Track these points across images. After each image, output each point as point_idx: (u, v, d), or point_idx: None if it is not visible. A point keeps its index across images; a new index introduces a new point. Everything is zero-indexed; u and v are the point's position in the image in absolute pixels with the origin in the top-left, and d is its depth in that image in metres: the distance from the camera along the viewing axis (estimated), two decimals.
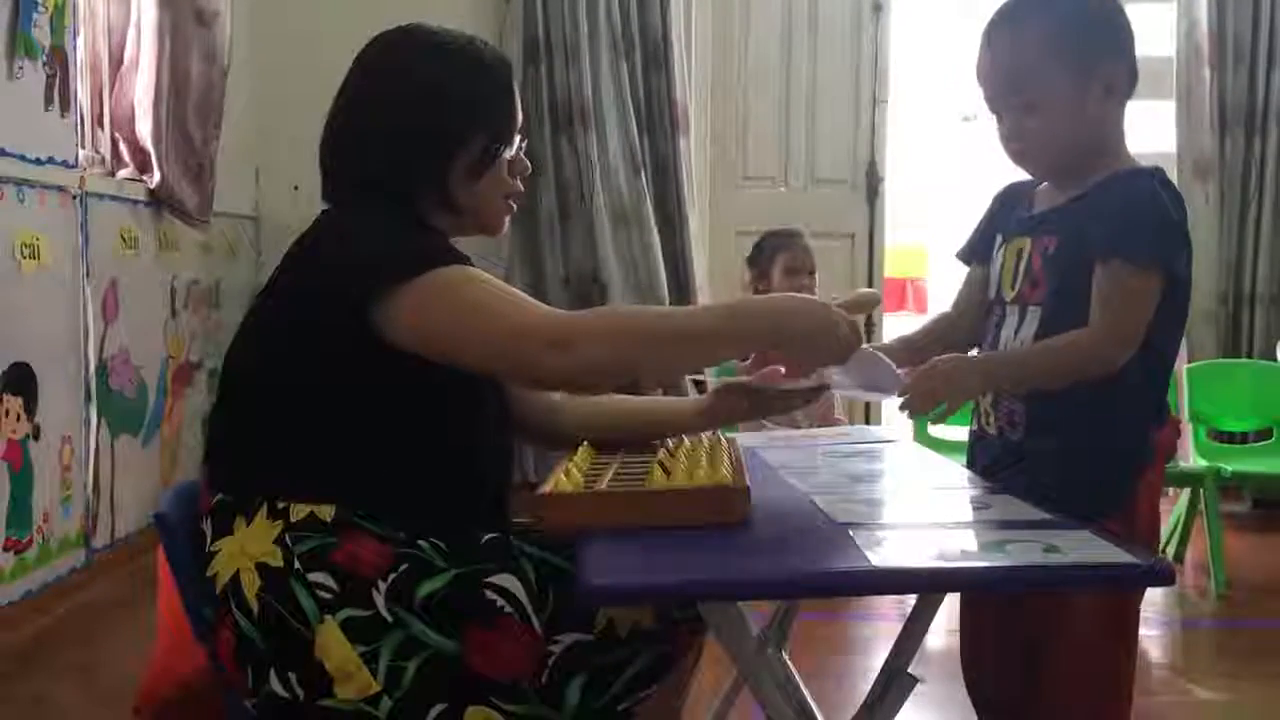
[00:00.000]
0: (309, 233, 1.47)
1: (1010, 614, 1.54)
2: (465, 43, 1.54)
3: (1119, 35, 1.52)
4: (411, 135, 1.48)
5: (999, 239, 1.63)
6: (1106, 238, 1.44)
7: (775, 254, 3.47)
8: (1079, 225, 1.48)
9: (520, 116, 1.57)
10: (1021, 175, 1.63)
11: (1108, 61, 1.50)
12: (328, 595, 1.29)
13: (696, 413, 1.69)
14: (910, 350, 1.64)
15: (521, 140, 1.58)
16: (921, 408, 1.44)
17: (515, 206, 1.58)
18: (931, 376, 1.43)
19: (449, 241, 1.50)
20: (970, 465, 1.63)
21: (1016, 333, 1.55)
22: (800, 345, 1.42)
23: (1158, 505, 1.57)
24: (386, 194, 1.48)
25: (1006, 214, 1.65)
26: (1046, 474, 1.47)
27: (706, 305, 1.44)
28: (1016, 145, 1.54)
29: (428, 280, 1.35)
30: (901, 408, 1.45)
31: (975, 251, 1.70)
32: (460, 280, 1.37)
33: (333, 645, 1.28)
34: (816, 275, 3.49)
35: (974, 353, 1.64)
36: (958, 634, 1.66)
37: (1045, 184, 1.60)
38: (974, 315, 1.67)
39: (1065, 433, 1.49)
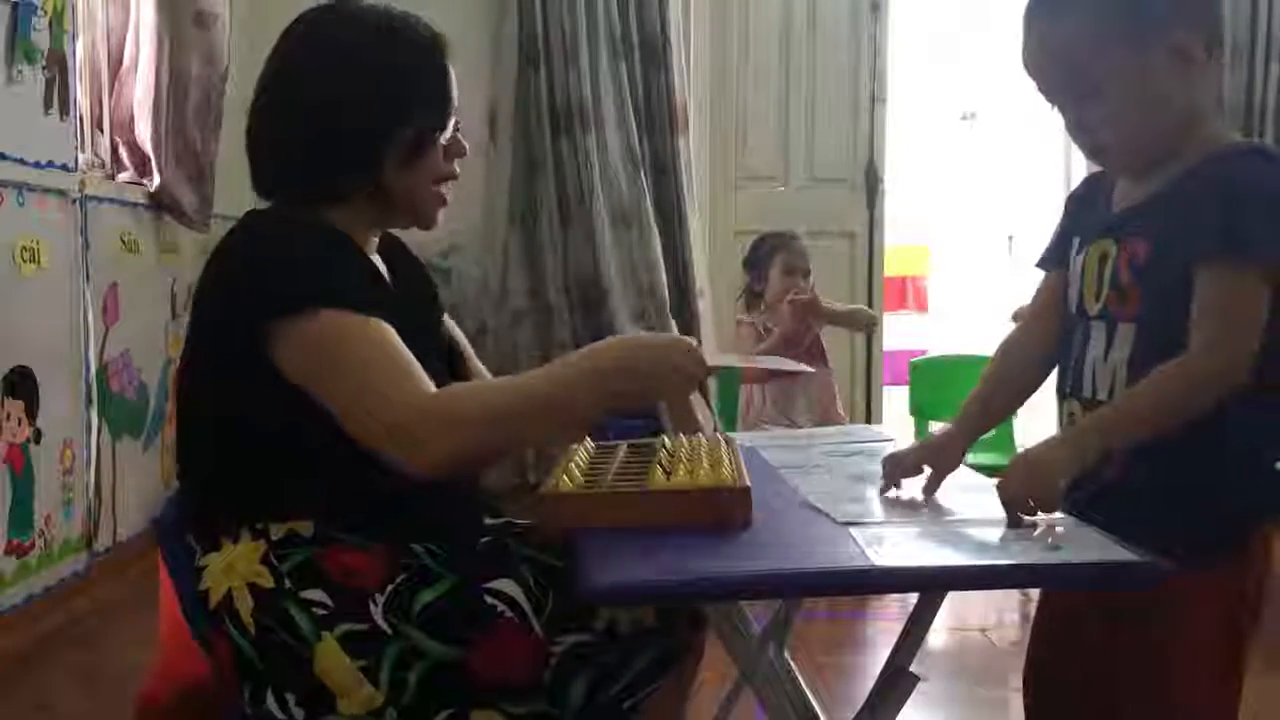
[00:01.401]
0: (221, 242, 1.41)
1: (1102, 622, 1.36)
2: (395, 20, 1.46)
3: None
4: (339, 122, 1.41)
5: (1077, 242, 1.44)
6: (1207, 233, 1.24)
7: (773, 255, 3.50)
8: (1172, 224, 1.29)
9: (455, 97, 1.49)
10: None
11: (1174, 25, 1.29)
12: (323, 611, 1.28)
13: None
14: (987, 416, 1.51)
15: (456, 123, 1.50)
16: (1023, 517, 1.25)
17: (446, 199, 1.51)
18: (1015, 484, 1.26)
19: (353, 262, 1.42)
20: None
21: (1107, 354, 1.36)
22: (645, 391, 1.38)
23: (1272, 555, 1.36)
24: (310, 185, 1.42)
25: (1085, 212, 1.46)
26: (1145, 510, 1.29)
27: (545, 370, 1.29)
28: (1086, 139, 1.36)
29: (305, 323, 1.28)
30: (1009, 526, 1.25)
31: (1052, 258, 1.51)
32: (335, 335, 1.28)
33: (332, 661, 1.27)
34: (812, 276, 3.51)
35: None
36: (962, 633, 1.65)
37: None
38: (1048, 326, 1.48)
39: (1168, 465, 1.30)
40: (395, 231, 1.59)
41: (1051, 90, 1.36)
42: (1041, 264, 1.54)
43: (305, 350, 1.29)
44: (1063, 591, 1.47)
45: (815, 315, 3.41)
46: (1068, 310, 1.45)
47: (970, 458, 1.59)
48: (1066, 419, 1.43)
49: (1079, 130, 1.36)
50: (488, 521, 1.51)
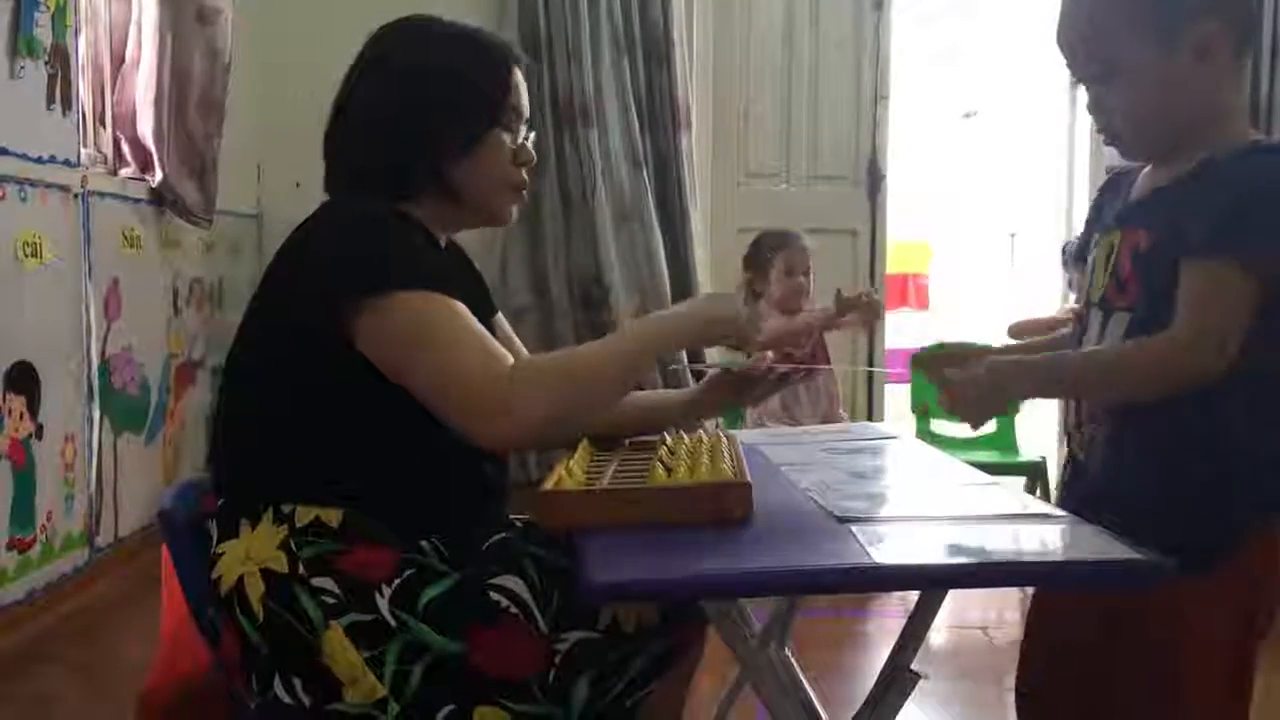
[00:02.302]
0: (299, 229, 1.46)
1: (1106, 622, 1.34)
2: (459, 28, 1.54)
3: None
4: (397, 118, 1.47)
5: (1096, 235, 1.46)
6: (1199, 229, 1.25)
7: (774, 253, 3.50)
8: (1170, 216, 1.30)
9: (522, 103, 1.55)
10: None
11: (1198, 20, 1.29)
12: (331, 600, 1.29)
13: (689, 402, 1.71)
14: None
15: (528, 130, 1.57)
16: (969, 419, 1.31)
17: (523, 196, 1.56)
18: (973, 387, 1.30)
19: (431, 249, 1.48)
20: (1063, 497, 1.45)
21: (1100, 342, 1.37)
22: (709, 334, 1.50)
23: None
24: (380, 183, 1.47)
25: (1105, 206, 1.47)
26: (1145, 511, 1.27)
27: (620, 338, 1.48)
28: (1102, 121, 1.37)
29: (389, 304, 1.32)
30: (951, 415, 1.33)
31: (1080, 255, 1.51)
32: (418, 316, 1.33)
33: (338, 650, 1.28)
34: (812, 276, 3.51)
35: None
36: (961, 630, 1.65)
37: (1148, 168, 1.41)
38: None
39: (1167, 465, 1.31)
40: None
41: (1074, 67, 1.38)
42: (1076, 260, 1.57)
43: (390, 331, 1.33)
44: (1055, 598, 1.46)
45: (878, 318, 3.43)
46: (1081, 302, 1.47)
47: (970, 456, 1.59)
48: (1071, 407, 1.44)
49: (1097, 111, 1.38)
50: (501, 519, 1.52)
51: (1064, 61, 1.39)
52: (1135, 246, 1.35)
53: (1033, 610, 1.53)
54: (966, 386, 1.31)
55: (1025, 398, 1.36)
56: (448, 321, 1.34)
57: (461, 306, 1.36)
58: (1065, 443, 1.47)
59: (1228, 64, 1.32)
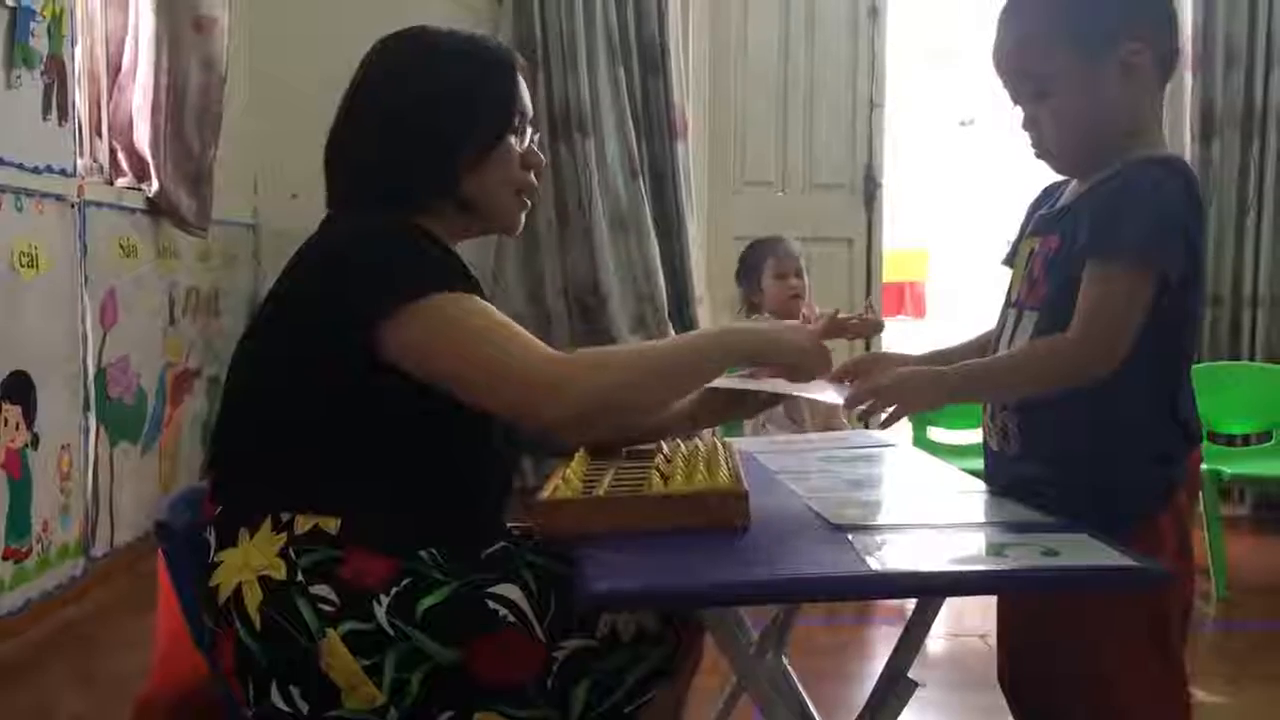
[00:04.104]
0: (311, 240, 1.46)
1: (1043, 623, 1.41)
2: (464, 37, 1.55)
3: (1141, 11, 1.40)
4: (409, 132, 1.47)
5: (1021, 243, 1.54)
6: (1092, 233, 1.33)
7: (763, 262, 3.48)
8: (1078, 223, 1.38)
9: (527, 107, 1.56)
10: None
11: (1124, 40, 1.37)
12: (329, 608, 1.29)
13: (687, 413, 1.71)
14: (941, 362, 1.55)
15: (533, 134, 1.57)
16: (869, 414, 1.39)
17: (529, 203, 1.57)
18: (876, 388, 1.37)
19: (452, 255, 1.49)
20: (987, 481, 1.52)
21: (1012, 339, 1.45)
22: (773, 356, 1.53)
23: (1188, 540, 1.41)
24: (390, 196, 1.47)
25: (1036, 212, 1.54)
26: (1049, 497, 1.35)
27: (686, 337, 1.55)
28: (1032, 137, 1.44)
29: (428, 306, 1.34)
30: (846, 405, 1.41)
31: (1009, 261, 1.58)
32: (460, 312, 1.36)
33: (337, 658, 1.28)
34: (806, 278, 3.48)
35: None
36: (958, 637, 1.65)
37: (1074, 181, 1.48)
38: None
39: (1063, 453, 1.39)
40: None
41: (1009, 87, 1.44)
42: (1004, 261, 1.61)
43: (432, 330, 1.34)
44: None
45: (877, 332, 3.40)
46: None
47: (967, 464, 1.61)
48: (988, 406, 1.50)
49: (1030, 128, 1.43)
50: (501, 529, 1.52)
51: (1001, 83, 1.44)
52: (1048, 250, 1.43)
53: (999, 602, 1.56)
54: (881, 390, 1.37)
55: (938, 404, 1.43)
56: (493, 316, 1.38)
57: (492, 307, 1.39)
58: (983, 432, 1.52)
59: (1149, 83, 1.40)
